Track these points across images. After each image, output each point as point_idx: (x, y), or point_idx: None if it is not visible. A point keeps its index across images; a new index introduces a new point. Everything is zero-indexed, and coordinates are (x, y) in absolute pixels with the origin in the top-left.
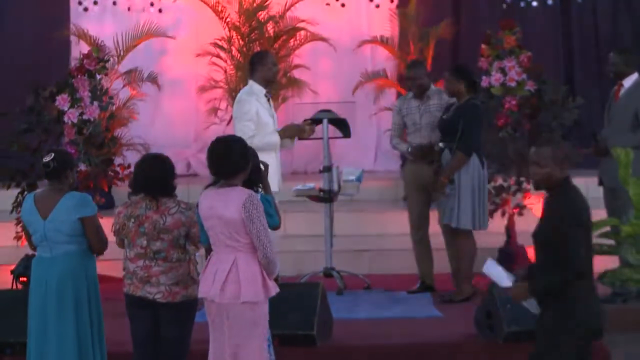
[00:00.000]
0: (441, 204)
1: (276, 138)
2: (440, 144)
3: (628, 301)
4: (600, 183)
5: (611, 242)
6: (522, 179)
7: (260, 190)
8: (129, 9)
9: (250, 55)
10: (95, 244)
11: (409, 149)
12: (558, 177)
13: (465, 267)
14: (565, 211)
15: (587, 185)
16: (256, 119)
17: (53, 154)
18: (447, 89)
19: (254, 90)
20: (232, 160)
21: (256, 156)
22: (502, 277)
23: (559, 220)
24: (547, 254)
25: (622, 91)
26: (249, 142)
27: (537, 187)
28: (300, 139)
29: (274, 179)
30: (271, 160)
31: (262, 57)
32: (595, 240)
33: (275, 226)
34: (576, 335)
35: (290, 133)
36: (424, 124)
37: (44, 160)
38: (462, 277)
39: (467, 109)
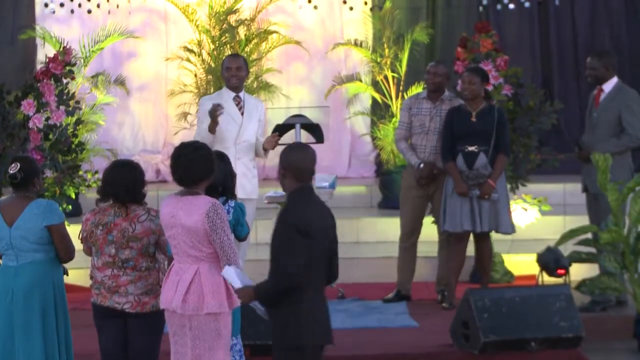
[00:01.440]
0: (458, 209)
1: (204, 129)
2: (472, 148)
3: (607, 309)
4: (585, 190)
5: (591, 249)
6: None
7: (234, 197)
8: (90, 11)
9: (221, 59)
10: (62, 252)
11: (420, 166)
12: (292, 187)
13: (490, 270)
14: (288, 220)
15: (565, 190)
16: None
17: (19, 165)
18: (468, 90)
19: (222, 94)
20: (196, 167)
21: (229, 163)
22: (234, 278)
23: (281, 228)
24: (272, 261)
25: (603, 96)
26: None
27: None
28: (214, 120)
29: (250, 186)
30: (249, 166)
31: (222, 62)
32: (574, 248)
33: (244, 236)
34: (300, 348)
35: (211, 118)
36: (432, 128)
37: (9, 171)
38: (486, 281)
39: (500, 113)
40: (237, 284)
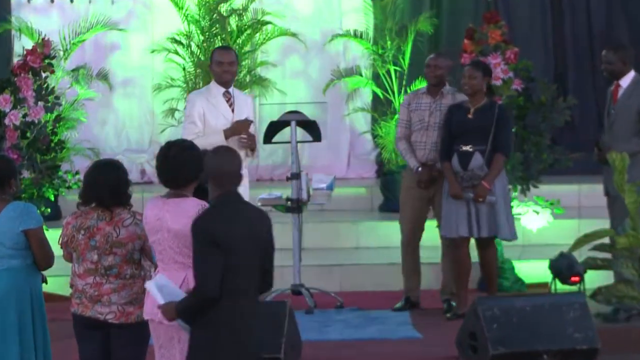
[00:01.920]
0: (455, 213)
1: (219, 138)
2: (467, 148)
3: (631, 319)
4: (607, 193)
5: (608, 255)
6: (509, 186)
7: None
8: (72, 0)
9: (211, 52)
10: (40, 258)
11: (418, 170)
12: (214, 194)
13: (496, 278)
14: (198, 230)
15: (580, 192)
16: (201, 119)
17: None
18: (469, 85)
19: (210, 89)
20: (185, 168)
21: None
22: (156, 294)
23: (193, 239)
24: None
25: (621, 92)
26: None
27: None
28: (239, 134)
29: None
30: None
31: (211, 55)
32: (589, 253)
33: None
34: None
35: (233, 129)
36: (432, 123)
37: None
38: (494, 289)
39: (501, 110)
40: (159, 299)
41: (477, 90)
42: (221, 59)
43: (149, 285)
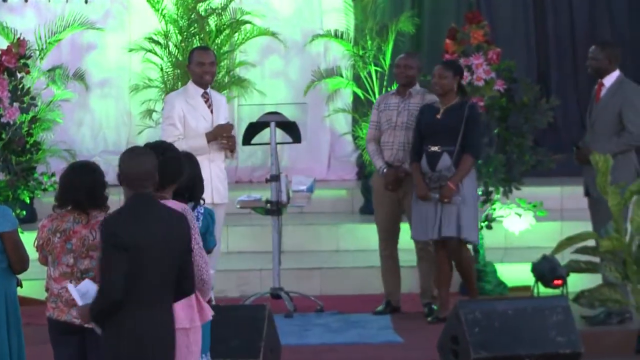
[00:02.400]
0: (424, 215)
1: (202, 141)
2: (435, 148)
3: (625, 322)
4: (587, 193)
5: (591, 258)
6: (491, 188)
7: (203, 203)
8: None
9: (189, 52)
10: (15, 262)
11: (383, 172)
12: (127, 195)
13: (473, 282)
14: (103, 232)
15: (563, 194)
16: (181, 121)
17: None
18: (439, 85)
19: (188, 90)
20: (165, 170)
21: (197, 164)
22: (76, 295)
23: (100, 239)
24: None
25: (604, 91)
26: None
27: None
28: (221, 138)
29: (223, 189)
30: (221, 167)
31: (189, 55)
32: (572, 256)
33: (212, 248)
34: None
35: (215, 133)
36: (400, 122)
37: None
38: (473, 292)
39: (470, 109)
40: (78, 301)
41: (447, 90)
42: (202, 60)
43: (71, 287)
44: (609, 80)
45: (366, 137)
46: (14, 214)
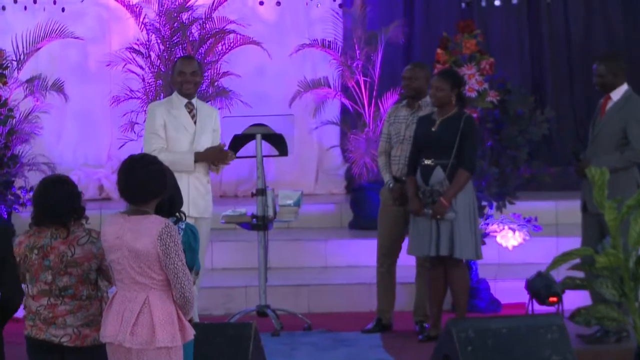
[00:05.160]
0: (420, 231)
1: (189, 159)
2: (428, 161)
3: (622, 340)
4: (584, 208)
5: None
6: (484, 203)
7: (184, 217)
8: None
9: (172, 62)
10: None
11: (391, 186)
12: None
13: (464, 302)
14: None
15: (558, 209)
16: (163, 131)
17: None
18: (435, 97)
19: (172, 100)
20: (146, 184)
21: (174, 176)
22: None
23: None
24: None
25: (610, 105)
26: None
27: None
28: (219, 163)
29: (204, 203)
30: (202, 181)
31: (173, 65)
32: (568, 273)
33: (196, 268)
34: None
35: (210, 158)
36: (408, 136)
37: None
38: (462, 312)
39: (466, 122)
40: None
41: (444, 103)
42: (183, 69)
43: None
44: (617, 94)
45: (378, 149)
46: None
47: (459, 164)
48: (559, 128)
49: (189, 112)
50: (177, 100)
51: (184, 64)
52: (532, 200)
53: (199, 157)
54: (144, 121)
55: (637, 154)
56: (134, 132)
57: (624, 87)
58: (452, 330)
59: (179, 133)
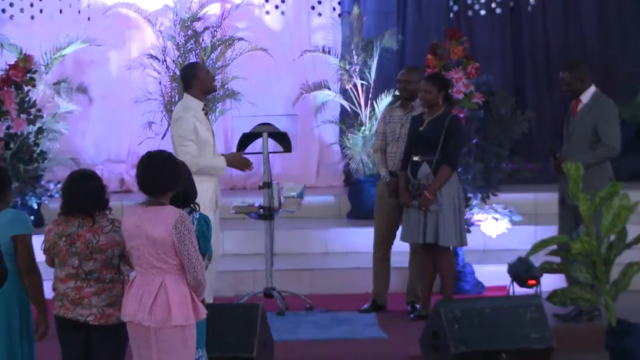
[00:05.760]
0: (411, 220)
1: (222, 163)
2: (416, 158)
3: (594, 319)
4: (562, 201)
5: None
6: (470, 195)
7: (198, 207)
8: (58, 13)
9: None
10: (22, 264)
11: (387, 180)
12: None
13: (450, 285)
14: None
15: (537, 200)
16: (195, 137)
17: None
18: (424, 99)
19: (191, 105)
20: (162, 177)
21: (188, 171)
22: None
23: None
24: None
25: (580, 106)
26: (193, 163)
27: None
28: (236, 167)
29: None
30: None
31: (194, 69)
32: (545, 258)
33: (209, 254)
34: None
35: (236, 165)
36: (402, 135)
37: None
38: (449, 293)
39: (451, 121)
40: None
41: (432, 104)
42: (207, 69)
43: None
44: (586, 96)
45: (373, 147)
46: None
47: (442, 160)
48: (538, 127)
49: (205, 115)
50: (196, 104)
51: (205, 66)
52: (514, 193)
53: (228, 163)
54: (163, 120)
55: (609, 150)
56: (152, 130)
57: (592, 89)
58: (440, 310)
59: (204, 133)
